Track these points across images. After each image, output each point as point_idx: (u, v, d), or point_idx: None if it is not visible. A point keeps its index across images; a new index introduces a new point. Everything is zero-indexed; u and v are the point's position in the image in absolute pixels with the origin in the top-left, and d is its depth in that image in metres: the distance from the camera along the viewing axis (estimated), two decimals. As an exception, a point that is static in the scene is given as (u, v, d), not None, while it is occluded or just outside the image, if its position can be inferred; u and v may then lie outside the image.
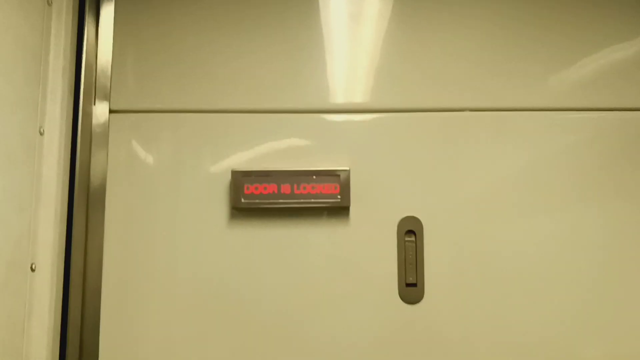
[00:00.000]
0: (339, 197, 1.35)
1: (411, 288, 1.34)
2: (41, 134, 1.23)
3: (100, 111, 1.37)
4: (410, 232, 1.36)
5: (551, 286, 1.36)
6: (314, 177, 1.35)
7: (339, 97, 1.41)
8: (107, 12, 1.40)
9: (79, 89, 1.34)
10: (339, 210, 1.36)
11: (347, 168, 1.36)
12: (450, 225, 1.37)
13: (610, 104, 1.42)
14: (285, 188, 1.35)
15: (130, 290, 1.33)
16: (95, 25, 1.39)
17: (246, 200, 1.34)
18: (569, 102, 1.42)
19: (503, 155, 1.40)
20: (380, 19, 1.44)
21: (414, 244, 1.35)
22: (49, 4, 1.26)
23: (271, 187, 1.34)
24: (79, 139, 1.33)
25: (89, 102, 1.36)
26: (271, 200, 1.34)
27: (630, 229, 1.39)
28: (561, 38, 1.44)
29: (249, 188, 1.34)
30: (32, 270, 1.20)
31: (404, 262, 1.35)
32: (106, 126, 1.37)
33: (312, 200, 1.34)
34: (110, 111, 1.37)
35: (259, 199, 1.34)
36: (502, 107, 1.41)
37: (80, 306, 1.30)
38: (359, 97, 1.41)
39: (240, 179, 1.34)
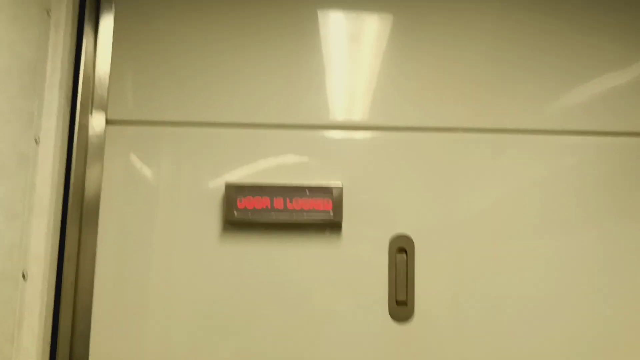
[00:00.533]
0: (331, 213, 1.34)
1: (401, 306, 1.34)
2: (37, 142, 1.24)
3: (96, 122, 1.38)
4: (401, 250, 1.35)
5: (543, 308, 1.35)
6: (307, 192, 1.35)
7: (335, 114, 1.41)
8: (106, 24, 1.41)
9: (76, 100, 1.35)
10: (332, 226, 1.36)
11: (340, 184, 1.36)
12: (442, 244, 1.36)
13: (607, 128, 1.41)
14: (278, 202, 1.35)
15: (121, 302, 1.33)
16: (94, 37, 1.40)
17: (239, 214, 1.34)
18: (565, 125, 1.41)
19: (497, 177, 1.39)
20: (378, 39, 1.44)
21: (405, 262, 1.35)
22: (48, 15, 1.28)
23: (264, 201, 1.34)
24: (74, 149, 1.34)
25: (86, 113, 1.37)
26: (264, 215, 1.34)
27: (627, 251, 1.38)
28: (559, 62, 1.44)
29: (242, 202, 1.34)
30: (24, 278, 1.21)
31: (394, 280, 1.34)
32: (102, 137, 1.37)
33: (305, 215, 1.34)
34: (107, 122, 1.38)
35: (251, 213, 1.34)
36: (496, 129, 1.40)
37: (70, 317, 1.31)
38: (354, 114, 1.41)
39: (233, 193, 1.34)
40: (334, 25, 1.45)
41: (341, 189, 1.35)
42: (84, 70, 1.37)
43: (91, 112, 1.38)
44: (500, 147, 1.40)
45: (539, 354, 1.34)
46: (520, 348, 1.34)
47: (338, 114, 1.41)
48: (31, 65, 1.22)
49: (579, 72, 1.43)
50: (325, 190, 1.35)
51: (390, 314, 1.34)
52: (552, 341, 1.34)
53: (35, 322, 1.23)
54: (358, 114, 1.41)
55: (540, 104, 1.42)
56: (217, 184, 1.37)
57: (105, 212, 1.35)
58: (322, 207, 1.35)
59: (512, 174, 1.39)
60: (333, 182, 1.36)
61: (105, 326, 1.32)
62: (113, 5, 1.41)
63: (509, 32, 1.44)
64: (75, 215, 1.33)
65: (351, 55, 1.43)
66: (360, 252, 1.36)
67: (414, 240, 1.36)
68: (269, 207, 1.34)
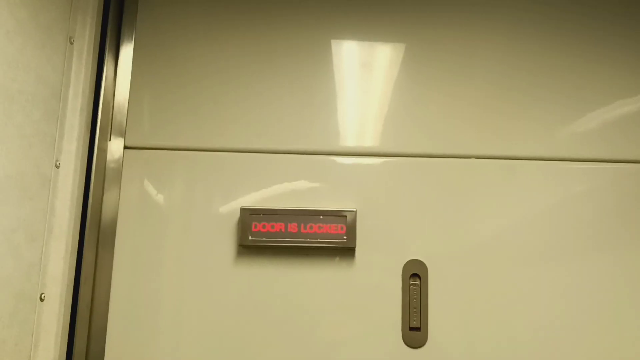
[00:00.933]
0: (345, 237, 1.36)
1: (415, 332, 1.34)
2: (57, 167, 1.27)
3: (115, 147, 1.41)
4: (415, 275, 1.36)
5: (556, 333, 1.35)
6: (321, 217, 1.36)
7: (348, 141, 1.44)
8: (126, 52, 1.45)
9: (96, 125, 1.38)
10: (345, 250, 1.37)
11: (354, 209, 1.37)
12: (455, 270, 1.37)
13: (619, 155, 1.43)
14: (293, 227, 1.36)
15: (135, 324, 1.34)
16: (114, 64, 1.44)
17: (253, 238, 1.36)
18: (577, 152, 1.43)
19: (509, 203, 1.41)
20: (390, 68, 1.47)
21: (418, 288, 1.36)
22: (71, 42, 1.32)
23: (279, 226, 1.36)
24: (93, 173, 1.36)
25: (105, 138, 1.40)
26: (278, 239, 1.36)
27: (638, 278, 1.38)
28: (571, 89, 1.46)
29: (257, 226, 1.36)
30: (41, 300, 1.22)
31: (408, 306, 1.35)
32: (120, 162, 1.40)
33: (319, 239, 1.36)
34: (125, 147, 1.41)
35: (266, 236, 1.36)
36: (508, 156, 1.43)
37: (86, 338, 1.32)
38: (367, 141, 1.44)
39: (248, 217, 1.36)
40: (347, 53, 1.48)
41: (355, 214, 1.37)
42: (104, 96, 1.40)
43: (110, 137, 1.41)
44: (512, 173, 1.42)
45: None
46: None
47: (351, 141, 1.44)
48: (55, 90, 1.26)
49: (591, 99, 1.46)
50: (338, 215, 1.37)
51: (403, 340, 1.34)
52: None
53: (51, 344, 1.23)
54: (372, 141, 1.44)
55: (552, 130, 1.44)
56: (232, 208, 1.39)
57: (122, 235, 1.37)
58: (335, 232, 1.36)
59: (525, 200, 1.41)
60: (347, 207, 1.38)
61: (119, 348, 1.33)
62: (133, 34, 1.45)
63: (520, 60, 1.47)
64: (92, 238, 1.35)
65: (365, 83, 1.47)
66: (373, 277, 1.37)
67: (427, 266, 1.37)
68: (283, 231, 1.36)
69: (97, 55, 1.39)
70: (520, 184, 1.42)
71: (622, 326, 1.36)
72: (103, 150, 1.39)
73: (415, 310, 1.35)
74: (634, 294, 1.38)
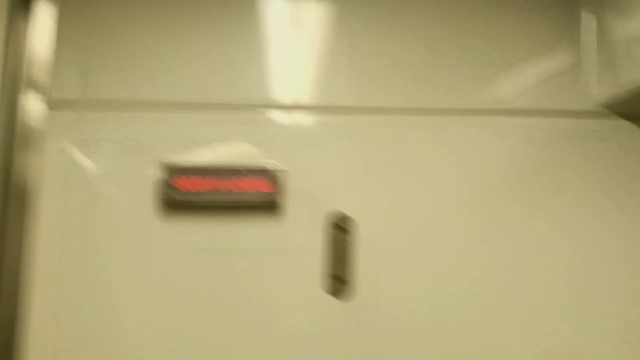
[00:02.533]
0: (273, 194, 1.34)
1: (341, 284, 1.34)
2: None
3: (35, 107, 1.37)
4: (344, 230, 1.35)
5: (484, 288, 1.36)
6: (248, 173, 1.35)
7: (275, 94, 1.41)
8: (45, 5, 1.40)
9: (16, 84, 1.34)
10: (273, 207, 1.36)
11: (282, 165, 1.35)
12: (384, 225, 1.37)
13: (547, 109, 1.42)
14: (219, 184, 1.34)
15: (57, 292, 1.32)
16: (32, 18, 1.39)
17: (180, 197, 1.34)
18: (505, 105, 1.42)
19: (438, 159, 1.40)
20: (319, 23, 1.44)
21: (347, 243, 1.35)
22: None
23: (204, 183, 1.34)
24: (13, 135, 1.33)
25: (25, 98, 1.36)
26: (204, 197, 1.34)
27: (577, 235, 1.39)
28: (498, 44, 1.44)
29: (181, 183, 1.34)
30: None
31: (335, 259, 1.34)
32: (41, 123, 1.37)
33: (246, 196, 1.34)
34: (46, 107, 1.37)
35: (193, 195, 1.34)
36: (438, 111, 1.41)
37: None
38: (295, 94, 1.41)
39: (172, 174, 1.34)
40: (276, 6, 1.44)
41: (283, 171, 1.35)
42: (22, 52, 1.36)
43: (30, 96, 1.37)
44: (440, 129, 1.40)
45: (482, 335, 1.35)
46: (464, 327, 1.35)
47: (279, 94, 1.41)
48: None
49: (517, 54, 1.44)
50: (266, 172, 1.35)
51: (330, 292, 1.34)
52: (495, 323, 1.36)
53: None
54: (298, 95, 1.41)
55: (478, 85, 1.42)
56: (157, 166, 1.36)
57: (43, 200, 1.34)
58: (263, 189, 1.34)
59: (454, 155, 1.40)
60: (275, 164, 1.36)
61: (37, 317, 1.31)
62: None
63: (446, 16, 1.44)
64: (13, 204, 1.33)
65: (292, 37, 1.43)
66: (301, 233, 1.36)
67: (354, 221, 1.36)
68: (211, 188, 1.34)
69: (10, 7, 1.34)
70: (450, 139, 1.40)
71: (545, 277, 1.37)
72: (23, 111, 1.35)
73: (342, 263, 1.34)
74: (560, 246, 1.38)
